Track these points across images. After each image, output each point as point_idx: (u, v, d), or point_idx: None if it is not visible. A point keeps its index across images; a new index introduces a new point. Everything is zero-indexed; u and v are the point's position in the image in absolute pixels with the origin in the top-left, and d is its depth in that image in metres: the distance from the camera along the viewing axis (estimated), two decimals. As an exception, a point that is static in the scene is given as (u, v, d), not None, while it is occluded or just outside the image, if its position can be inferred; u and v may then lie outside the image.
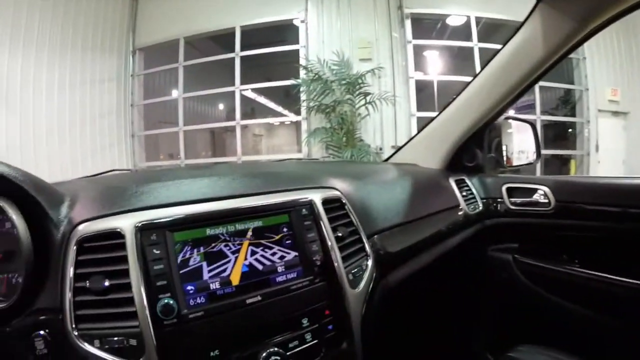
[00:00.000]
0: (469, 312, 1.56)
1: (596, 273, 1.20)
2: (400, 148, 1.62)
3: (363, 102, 5.57)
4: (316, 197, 0.80)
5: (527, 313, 1.43)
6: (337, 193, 0.86)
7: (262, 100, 9.80)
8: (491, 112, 1.37)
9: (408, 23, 6.13)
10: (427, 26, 7.02)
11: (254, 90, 7.79)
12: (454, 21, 6.68)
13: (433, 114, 1.52)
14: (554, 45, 1.15)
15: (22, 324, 0.56)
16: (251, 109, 9.38)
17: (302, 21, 6.20)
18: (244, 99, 7.03)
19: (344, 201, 0.86)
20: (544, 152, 6.01)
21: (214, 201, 0.69)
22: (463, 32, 6.51)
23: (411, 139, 1.60)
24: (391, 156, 1.64)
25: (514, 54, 1.24)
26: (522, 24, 1.19)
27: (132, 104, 6.98)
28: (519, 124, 1.59)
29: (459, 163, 1.50)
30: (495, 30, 6.41)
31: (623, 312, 1.16)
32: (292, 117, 7.68)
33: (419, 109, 6.11)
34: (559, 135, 7.82)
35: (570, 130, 7.40)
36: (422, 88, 7.02)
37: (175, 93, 7.05)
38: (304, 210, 0.76)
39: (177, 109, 6.84)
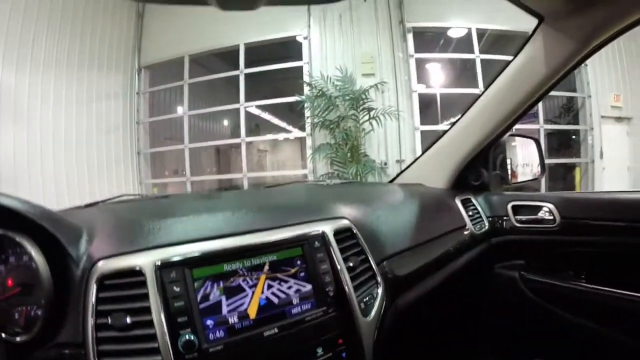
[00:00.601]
0: (476, 330, 1.57)
1: (602, 288, 1.21)
2: (406, 168, 1.63)
3: (367, 117, 5.59)
4: (327, 229, 0.81)
5: (534, 329, 1.43)
6: (347, 223, 0.87)
7: (266, 116, 9.82)
8: (495, 131, 1.38)
9: (410, 37, 6.18)
10: (429, 39, 7.07)
11: (258, 106, 7.85)
12: (455, 33, 6.73)
13: (437, 127, 1.54)
14: (556, 65, 1.17)
15: (43, 357, 0.57)
16: (256, 125, 9.40)
17: (305, 38, 6.26)
18: (248, 115, 7.08)
19: (354, 231, 0.87)
20: (548, 161, 5.97)
21: (230, 237, 0.70)
22: (465, 44, 6.55)
23: (417, 158, 1.61)
24: (397, 176, 1.66)
25: (516, 74, 1.25)
26: (524, 44, 1.20)
27: (137, 122, 7.04)
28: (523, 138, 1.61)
29: (465, 182, 1.51)
30: (498, 41, 6.44)
31: (630, 327, 1.17)
32: (297, 133, 7.71)
33: (423, 122, 6.11)
34: (563, 144, 7.74)
35: (574, 137, 7.36)
36: (428, 102, 7.03)
37: (180, 110, 7.11)
38: (316, 242, 0.78)
39: (182, 126, 6.89)
